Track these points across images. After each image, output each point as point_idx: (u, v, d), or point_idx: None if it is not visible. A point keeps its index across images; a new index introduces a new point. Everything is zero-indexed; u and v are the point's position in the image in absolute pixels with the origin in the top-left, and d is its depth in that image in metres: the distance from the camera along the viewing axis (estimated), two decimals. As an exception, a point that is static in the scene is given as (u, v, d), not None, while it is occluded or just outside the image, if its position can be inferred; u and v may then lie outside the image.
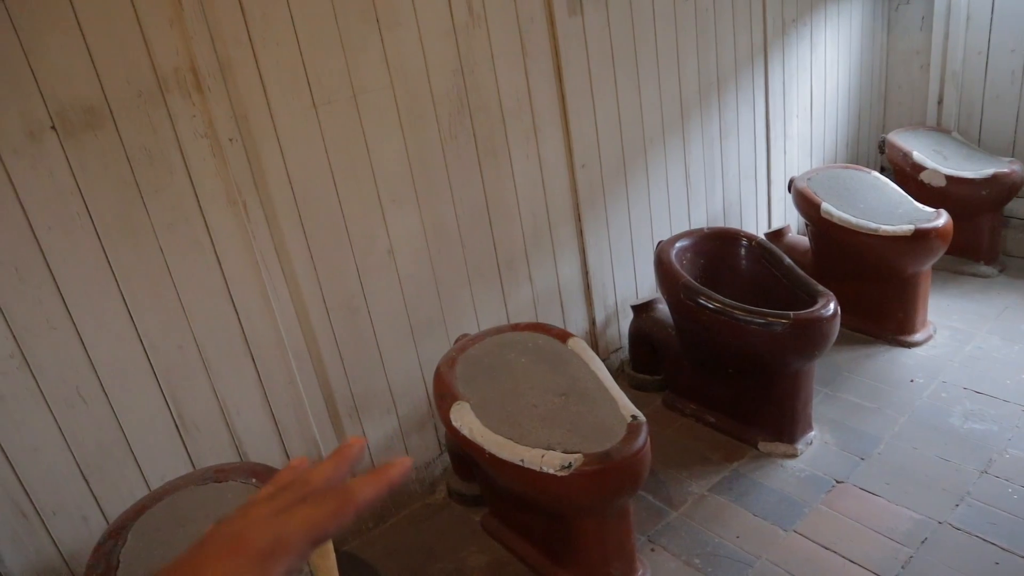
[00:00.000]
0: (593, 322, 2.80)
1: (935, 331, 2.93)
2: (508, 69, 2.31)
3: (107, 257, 1.74)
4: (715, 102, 2.97)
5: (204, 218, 1.85)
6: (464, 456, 2.30)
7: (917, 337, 2.88)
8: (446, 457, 2.46)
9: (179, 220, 1.82)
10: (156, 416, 1.89)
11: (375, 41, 2.02)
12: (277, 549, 0.49)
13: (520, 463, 1.73)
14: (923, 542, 2.01)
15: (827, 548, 2.04)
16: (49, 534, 1.80)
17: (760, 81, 3.12)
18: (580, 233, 2.64)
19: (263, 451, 2.08)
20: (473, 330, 2.42)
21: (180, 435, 1.94)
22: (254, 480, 1.66)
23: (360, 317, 2.17)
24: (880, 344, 2.92)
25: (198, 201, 1.84)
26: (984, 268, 3.29)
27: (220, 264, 1.90)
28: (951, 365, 2.74)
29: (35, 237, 1.64)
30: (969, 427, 2.41)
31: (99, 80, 1.65)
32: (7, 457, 1.70)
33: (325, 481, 0.56)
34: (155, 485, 1.91)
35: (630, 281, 2.88)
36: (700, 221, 3.07)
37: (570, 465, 1.68)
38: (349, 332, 2.16)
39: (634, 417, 1.81)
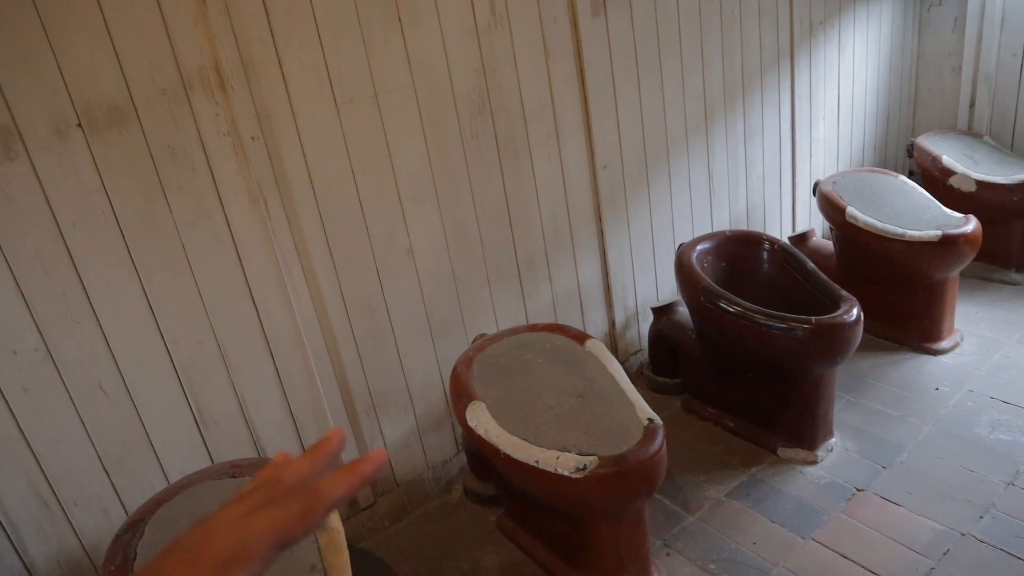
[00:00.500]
0: (613, 324, 2.78)
1: (962, 339, 2.88)
2: (530, 69, 2.31)
3: (130, 253, 1.76)
4: (740, 103, 2.94)
5: (226, 216, 1.87)
6: (481, 456, 2.30)
7: (943, 345, 2.83)
8: (463, 456, 2.47)
9: (201, 217, 1.84)
10: (176, 410, 1.91)
11: (397, 40, 2.03)
12: (237, 556, 0.48)
13: (535, 464, 1.73)
14: (945, 554, 1.97)
15: (846, 557, 2.01)
16: (71, 525, 1.83)
17: (786, 83, 3.09)
18: (601, 234, 2.63)
19: (281, 447, 2.10)
20: (492, 330, 2.42)
21: (199, 429, 1.96)
22: (270, 476, 1.68)
23: (379, 316, 2.18)
24: (905, 351, 2.88)
25: (220, 199, 1.86)
26: (1015, 275, 3.23)
27: (241, 261, 1.92)
28: (978, 374, 2.69)
29: (60, 232, 1.67)
30: (996, 437, 2.36)
31: (124, 78, 1.67)
32: (31, 448, 1.73)
33: (298, 479, 0.54)
34: (174, 479, 1.94)
35: (651, 283, 2.87)
36: (723, 224, 3.04)
37: (585, 467, 1.67)
38: (368, 330, 2.17)
39: (650, 420, 1.80)
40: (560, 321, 2.60)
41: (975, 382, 2.64)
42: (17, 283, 1.64)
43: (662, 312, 2.72)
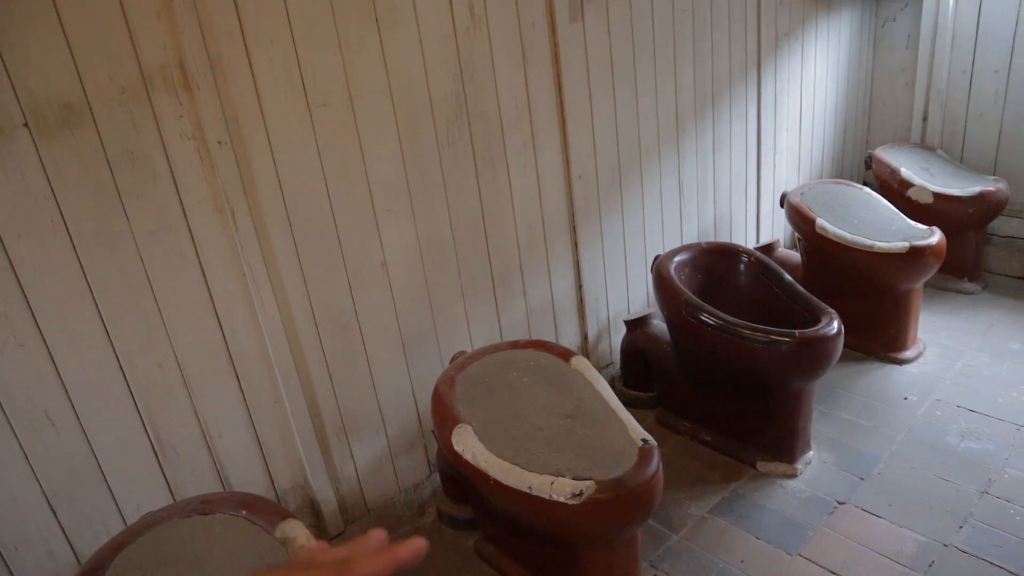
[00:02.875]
0: (586, 337, 2.72)
1: (925, 348, 2.93)
2: (508, 75, 2.22)
3: (82, 267, 1.60)
4: (709, 114, 2.93)
5: (189, 226, 1.72)
6: (456, 477, 2.19)
7: (908, 354, 2.86)
8: (435, 478, 2.35)
9: (162, 228, 1.69)
10: (132, 439, 1.75)
11: (373, 41, 1.91)
12: None
13: (528, 490, 1.64)
14: (930, 566, 1.97)
15: (835, 573, 1.98)
16: (9, 570, 1.65)
17: (753, 93, 3.09)
18: (575, 246, 2.56)
19: (246, 476, 1.95)
20: (466, 346, 2.32)
21: (158, 459, 1.80)
22: (244, 512, 1.54)
23: (350, 333, 2.05)
24: (872, 361, 2.90)
25: (183, 208, 1.71)
26: (968, 285, 3.31)
27: (205, 276, 1.77)
28: (943, 383, 2.73)
29: (2, 245, 1.50)
30: (966, 446, 2.39)
31: (79, 75, 1.52)
32: (-34, 486, 1.55)
33: (333, 560, 0.55)
34: (130, 514, 1.77)
35: (623, 295, 2.81)
36: (692, 235, 3.02)
37: (582, 493, 1.59)
38: (339, 349, 2.04)
39: (644, 441, 1.73)
40: (534, 335, 2.52)
41: (941, 391, 2.68)
42: (-48, 302, 1.46)
43: (635, 325, 2.67)
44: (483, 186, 2.25)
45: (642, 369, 2.68)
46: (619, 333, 2.79)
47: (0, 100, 1.44)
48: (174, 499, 1.83)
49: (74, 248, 1.58)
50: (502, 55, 2.20)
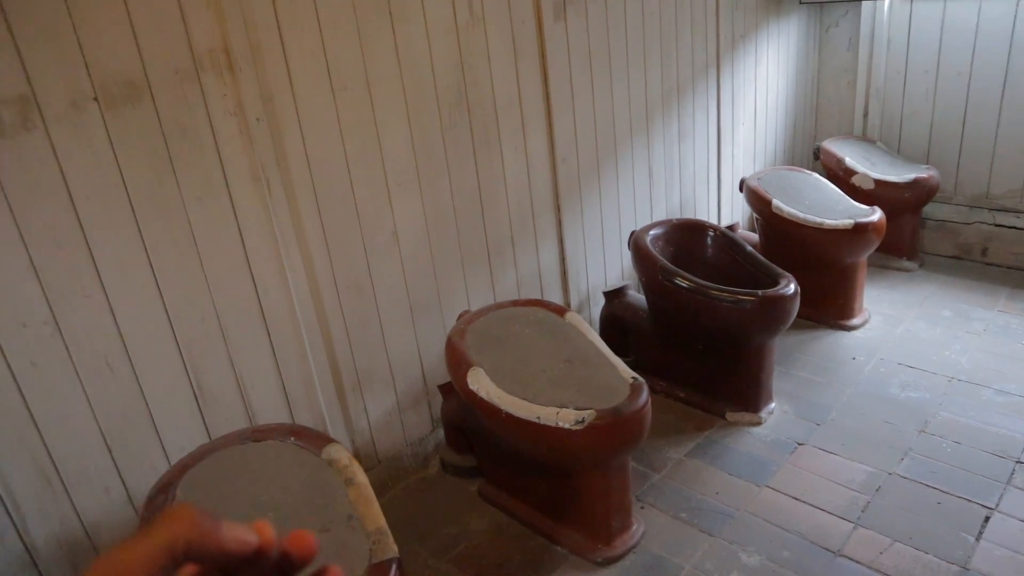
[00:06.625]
0: (568, 306, 2.97)
1: (870, 316, 3.26)
2: (502, 67, 2.48)
3: (139, 228, 1.80)
4: (675, 107, 3.23)
5: (230, 194, 1.93)
6: (460, 429, 2.43)
7: (855, 321, 3.19)
8: (439, 433, 2.58)
9: (207, 195, 1.89)
10: (177, 386, 1.94)
11: (388, 33, 2.15)
12: None
13: (536, 420, 1.88)
14: (877, 490, 2.27)
15: (797, 499, 2.27)
16: (72, 504, 1.82)
17: (713, 90, 3.40)
18: (559, 223, 2.82)
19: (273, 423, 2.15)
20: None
21: (199, 405, 1.99)
22: (292, 438, 1.75)
23: (365, 295, 2.28)
24: (823, 328, 3.23)
25: (225, 177, 1.92)
26: (906, 263, 3.67)
27: (242, 239, 1.98)
28: (886, 345, 3.06)
29: (73, 205, 1.69)
30: (906, 395, 2.71)
31: (140, 56, 1.72)
32: (36, 424, 1.73)
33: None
34: (174, 455, 1.96)
35: (600, 269, 3.09)
36: (660, 216, 3.30)
37: (583, 420, 1.84)
38: (355, 309, 2.26)
39: (635, 379, 1.99)
40: (523, 304, 2.76)
41: (885, 352, 3.01)
42: (29, 255, 1.65)
43: (614, 295, 2.94)
44: (480, 166, 2.50)
45: (620, 336, 2.95)
46: (598, 304, 3.06)
47: (76, 77, 1.64)
48: (214, 441, 2.02)
49: (132, 210, 1.78)
50: (497, 49, 2.45)
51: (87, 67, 1.65)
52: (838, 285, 3.16)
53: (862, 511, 2.19)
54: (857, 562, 2.02)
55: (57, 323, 1.71)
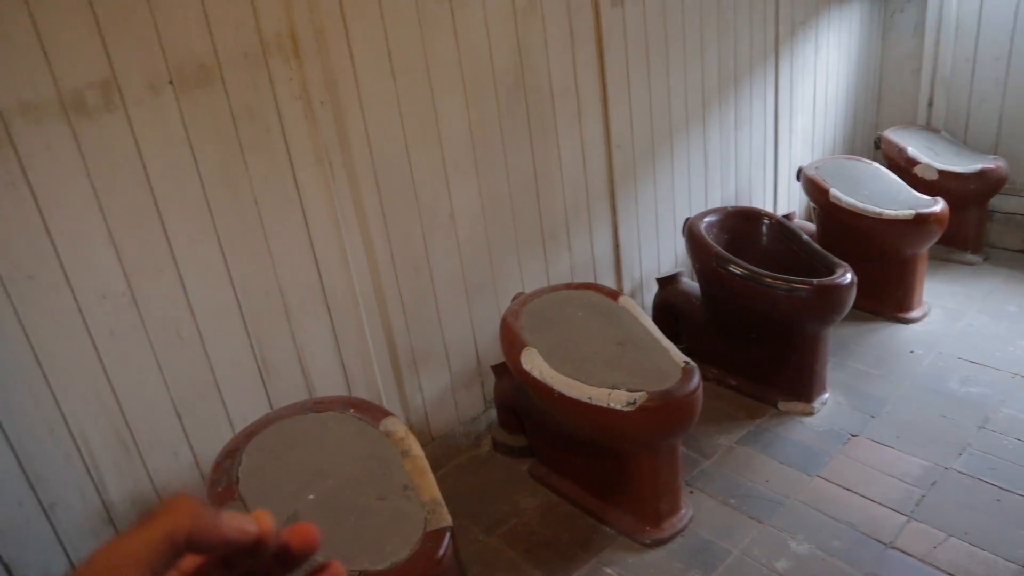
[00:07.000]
0: (621, 293, 2.99)
1: (930, 310, 3.19)
2: (559, 53, 2.50)
3: (209, 206, 1.88)
4: (732, 94, 3.20)
5: (294, 175, 2.00)
6: (511, 410, 2.47)
7: (914, 314, 3.13)
8: (491, 413, 2.63)
9: (272, 175, 1.97)
10: (242, 358, 2.03)
11: (447, 19, 2.19)
12: None
13: (588, 400, 1.91)
14: (933, 484, 2.23)
15: (848, 490, 2.25)
16: (145, 466, 1.92)
17: (771, 77, 3.36)
18: (613, 209, 2.84)
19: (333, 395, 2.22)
20: (518, 295, 2.60)
21: (262, 377, 2.08)
22: (352, 410, 1.81)
23: (422, 276, 2.33)
24: (881, 320, 3.17)
25: (290, 159, 1.99)
26: (971, 256, 3.58)
27: (306, 218, 2.05)
28: (946, 339, 2.99)
29: (149, 183, 1.78)
30: (966, 391, 2.66)
31: (212, 40, 1.80)
32: (114, 391, 1.83)
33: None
34: (237, 424, 2.04)
35: (654, 256, 3.09)
36: (715, 204, 3.29)
37: (635, 402, 1.86)
38: (412, 289, 2.32)
39: (686, 363, 2.00)
40: (576, 289, 2.79)
41: (944, 346, 2.94)
42: (109, 230, 1.74)
43: (666, 282, 2.94)
44: (536, 151, 2.53)
45: (672, 322, 2.95)
46: (651, 291, 3.07)
47: (153, 61, 1.72)
48: (276, 413, 2.11)
49: (203, 188, 1.86)
50: (554, 35, 2.47)
51: (163, 51, 1.73)
52: (897, 277, 3.10)
53: (916, 504, 2.16)
54: (910, 555, 2.00)
55: (133, 295, 1.81)
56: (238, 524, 0.42)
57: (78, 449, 1.80)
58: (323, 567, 0.48)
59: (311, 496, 1.57)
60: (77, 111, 1.64)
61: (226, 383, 2.01)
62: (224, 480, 1.61)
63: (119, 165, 1.72)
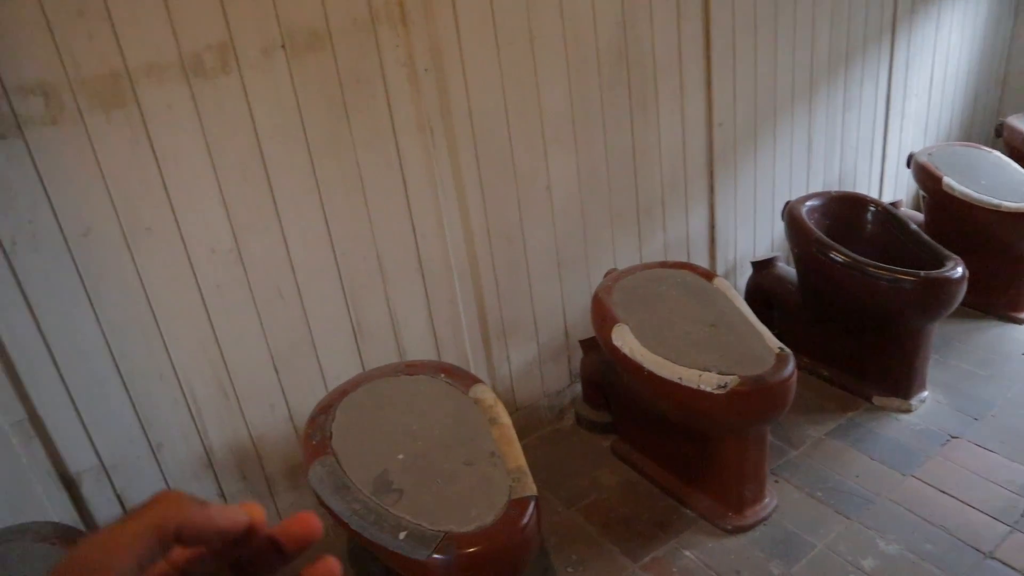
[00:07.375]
0: (716, 274, 2.92)
1: (1046, 310, 3.00)
2: (663, 26, 2.44)
3: (313, 168, 1.93)
4: (842, 74, 3.06)
5: (396, 141, 2.03)
6: (596, 385, 2.46)
7: (1028, 314, 2.95)
8: (576, 387, 2.63)
9: (375, 140, 2.00)
10: (338, 319, 2.09)
11: (553, -12, 2.17)
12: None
13: (678, 380, 1.88)
14: (1041, 495, 2.11)
15: (945, 492, 2.15)
16: (243, 416, 2.01)
17: (885, 58, 3.19)
18: (711, 188, 2.77)
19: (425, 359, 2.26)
20: (609, 271, 2.58)
21: (356, 339, 2.13)
22: (442, 375, 1.85)
23: (515, 246, 2.34)
24: (990, 319, 3.00)
25: (393, 125, 2.02)
26: (1095, 255, 3.33)
27: (405, 184, 2.08)
28: (1062, 342, 2.81)
29: (259, 144, 1.83)
30: (1083, 399, 2.49)
31: (323, 5, 1.83)
32: (217, 342, 1.92)
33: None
34: (331, 382, 2.11)
35: (750, 239, 3.00)
36: (817, 188, 3.16)
37: (726, 385, 1.82)
38: (505, 259, 2.33)
39: (781, 349, 1.95)
40: (667, 269, 2.75)
41: (1061, 349, 2.77)
42: (220, 187, 1.81)
43: (762, 266, 2.86)
44: (636, 126, 2.48)
45: (765, 308, 2.87)
46: (744, 275, 2.99)
47: (267, 25, 1.77)
48: (367, 373, 2.16)
49: (309, 151, 1.91)
50: (659, 8, 2.41)
51: (277, 16, 1.78)
52: (1012, 274, 2.91)
53: (1022, 515, 2.05)
54: (1011, 567, 1.90)
55: (240, 251, 1.88)
56: (229, 514, 0.42)
57: (184, 395, 1.90)
58: (317, 560, 0.47)
59: (400, 456, 1.61)
60: (196, 72, 1.71)
61: (322, 341, 2.08)
62: (318, 434, 1.67)
63: (232, 126, 1.78)
